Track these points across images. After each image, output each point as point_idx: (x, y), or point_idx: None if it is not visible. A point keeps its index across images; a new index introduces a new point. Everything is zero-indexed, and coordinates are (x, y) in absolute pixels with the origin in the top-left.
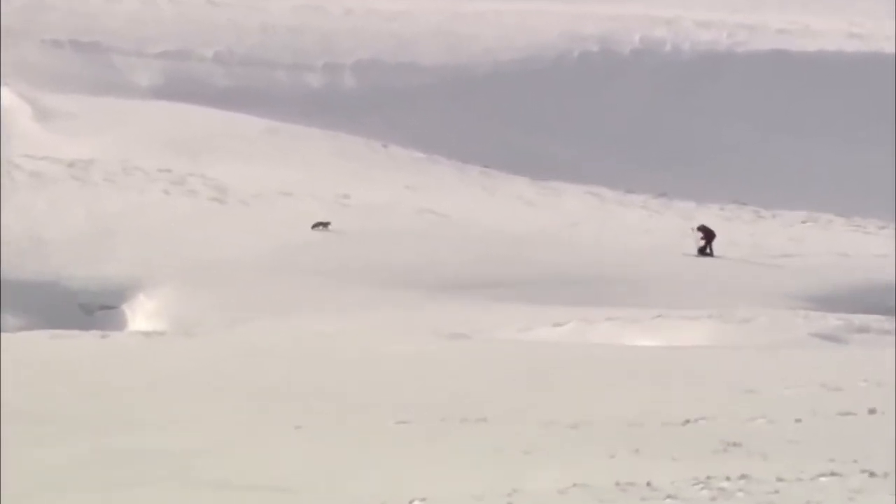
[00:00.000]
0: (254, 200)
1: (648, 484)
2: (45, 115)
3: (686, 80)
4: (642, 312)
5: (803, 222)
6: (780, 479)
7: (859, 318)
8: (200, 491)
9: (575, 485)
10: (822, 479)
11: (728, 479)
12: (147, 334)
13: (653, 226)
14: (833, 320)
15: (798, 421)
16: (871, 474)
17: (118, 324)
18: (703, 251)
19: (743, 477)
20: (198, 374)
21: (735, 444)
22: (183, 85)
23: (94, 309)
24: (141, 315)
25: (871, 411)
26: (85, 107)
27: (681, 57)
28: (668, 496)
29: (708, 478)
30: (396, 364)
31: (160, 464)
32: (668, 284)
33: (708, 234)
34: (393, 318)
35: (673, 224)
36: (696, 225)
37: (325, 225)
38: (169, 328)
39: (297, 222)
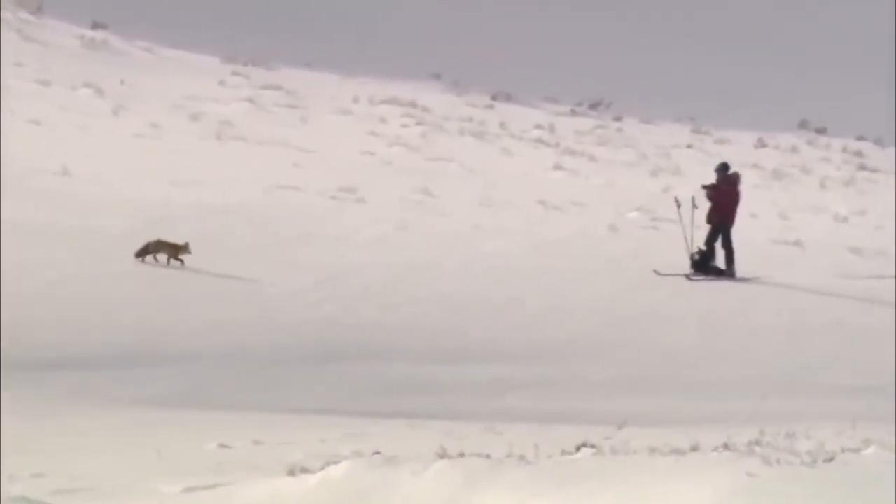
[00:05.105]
0: None
1: None
2: None
3: None
4: (539, 437)
5: None
6: None
7: None
8: None
9: None
10: None
11: None
12: None
13: (575, 194)
14: None
15: None
16: None
17: None
18: (703, 262)
19: None
20: None
21: None
22: None
23: None
24: None
25: None
26: None
27: None
28: None
29: None
30: None
31: None
32: (611, 359)
33: (722, 206)
34: None
35: (628, 188)
36: (700, 189)
37: (173, 252)
38: None
39: None
